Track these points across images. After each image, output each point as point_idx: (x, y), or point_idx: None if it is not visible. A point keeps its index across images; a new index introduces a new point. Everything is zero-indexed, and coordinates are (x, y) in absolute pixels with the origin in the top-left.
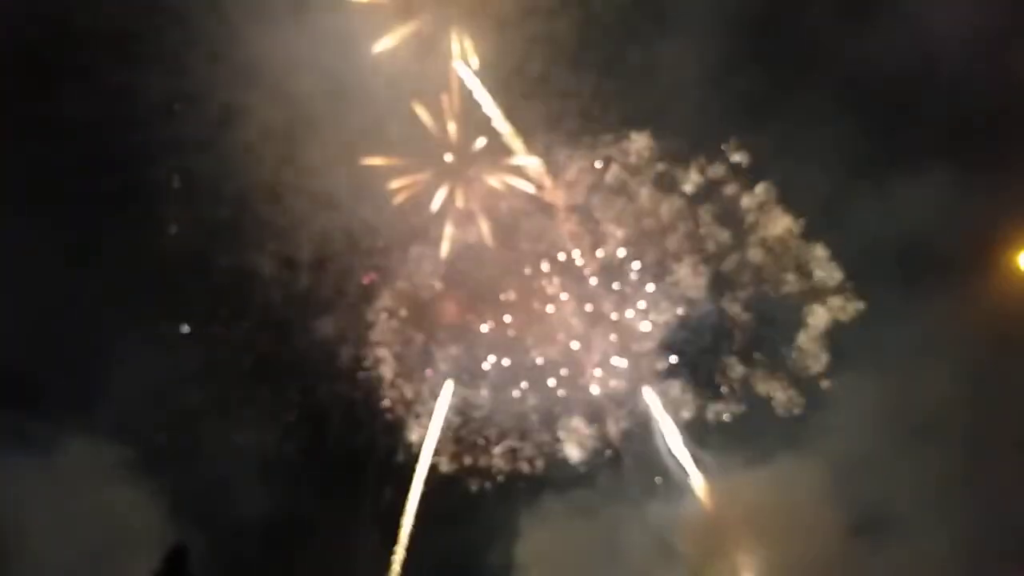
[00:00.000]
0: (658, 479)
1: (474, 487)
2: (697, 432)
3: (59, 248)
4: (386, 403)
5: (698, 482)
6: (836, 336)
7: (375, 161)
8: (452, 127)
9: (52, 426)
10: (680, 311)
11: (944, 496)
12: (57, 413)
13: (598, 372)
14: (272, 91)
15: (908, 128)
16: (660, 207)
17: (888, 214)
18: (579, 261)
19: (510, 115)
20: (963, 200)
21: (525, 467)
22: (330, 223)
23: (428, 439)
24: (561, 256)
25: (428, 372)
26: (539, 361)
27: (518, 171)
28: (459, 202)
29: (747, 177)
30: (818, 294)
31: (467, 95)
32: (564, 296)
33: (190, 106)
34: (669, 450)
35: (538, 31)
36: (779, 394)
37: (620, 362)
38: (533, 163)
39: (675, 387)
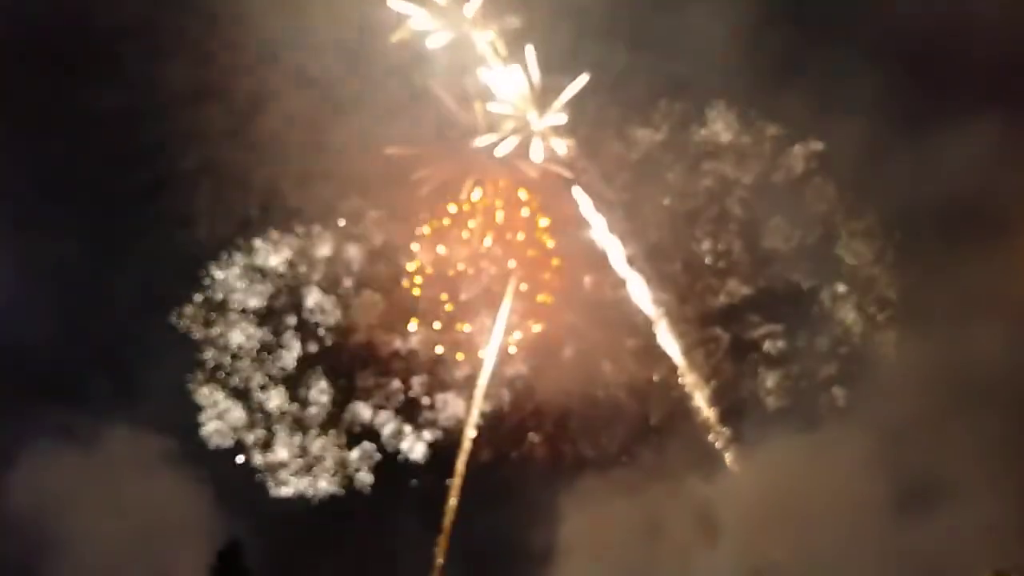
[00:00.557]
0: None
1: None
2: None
3: (92, 242)
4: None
5: (740, 455)
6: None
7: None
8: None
9: (94, 419)
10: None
11: (998, 462)
12: (99, 406)
13: None
14: (297, 76)
15: (949, 82)
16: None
17: (933, 170)
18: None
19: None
20: (1011, 154)
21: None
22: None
23: (469, 420)
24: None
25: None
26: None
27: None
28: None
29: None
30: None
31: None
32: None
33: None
34: (709, 423)
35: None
36: None
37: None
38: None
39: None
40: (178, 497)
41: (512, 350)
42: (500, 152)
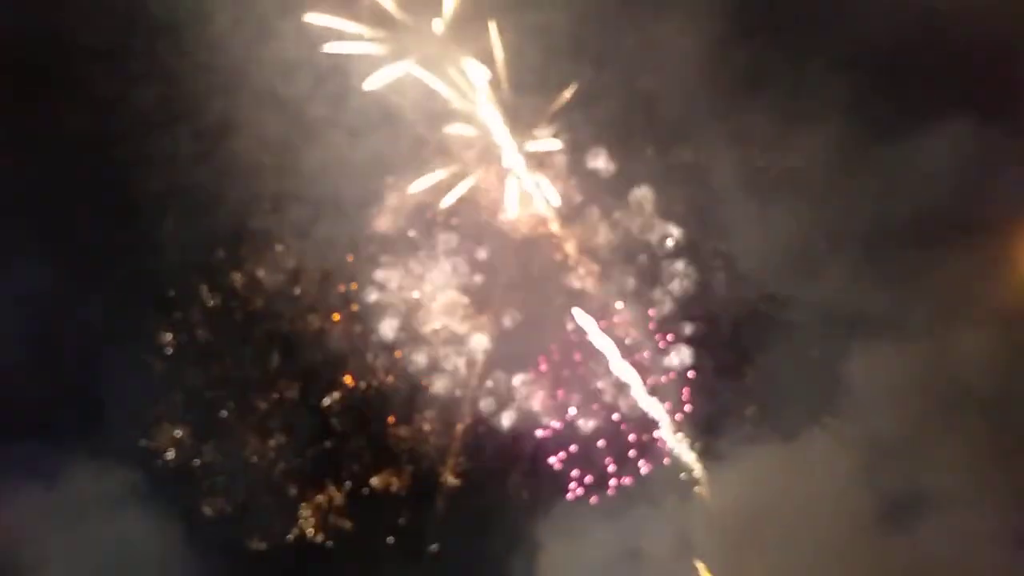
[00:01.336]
0: (682, 475)
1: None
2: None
3: (56, 268)
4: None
5: (713, 473)
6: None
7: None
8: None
9: (58, 452)
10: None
11: (978, 474)
12: (63, 439)
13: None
14: (267, 98)
15: (918, 86)
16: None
17: (906, 179)
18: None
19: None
20: (984, 161)
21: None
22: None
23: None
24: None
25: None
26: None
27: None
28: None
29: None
30: None
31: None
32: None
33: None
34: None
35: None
36: None
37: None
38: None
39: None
40: (146, 534)
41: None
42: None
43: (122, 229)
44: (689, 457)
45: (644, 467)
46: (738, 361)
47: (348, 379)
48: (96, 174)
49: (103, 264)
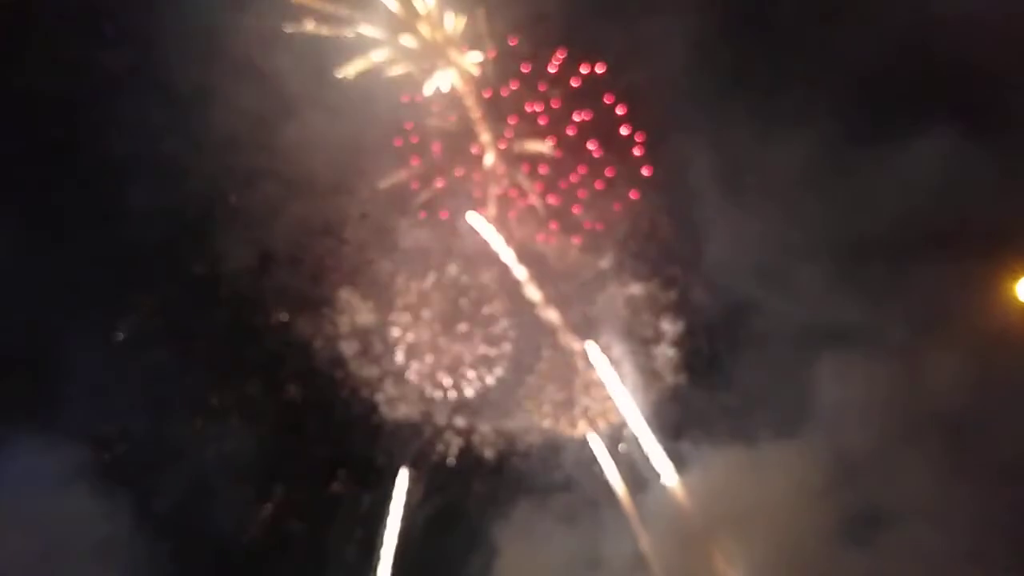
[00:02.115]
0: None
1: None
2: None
3: (12, 236)
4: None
5: (677, 479)
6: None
7: None
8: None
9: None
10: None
11: (940, 492)
12: (10, 413)
13: None
14: (245, 69)
15: (898, 96)
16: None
17: (880, 188)
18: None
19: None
20: (962, 174)
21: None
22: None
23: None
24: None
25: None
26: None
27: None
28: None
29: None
30: None
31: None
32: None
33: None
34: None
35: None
36: None
37: None
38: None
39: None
40: (94, 515)
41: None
42: None
43: (87, 197)
44: (655, 461)
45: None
46: (708, 367)
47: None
48: (63, 137)
49: (65, 232)
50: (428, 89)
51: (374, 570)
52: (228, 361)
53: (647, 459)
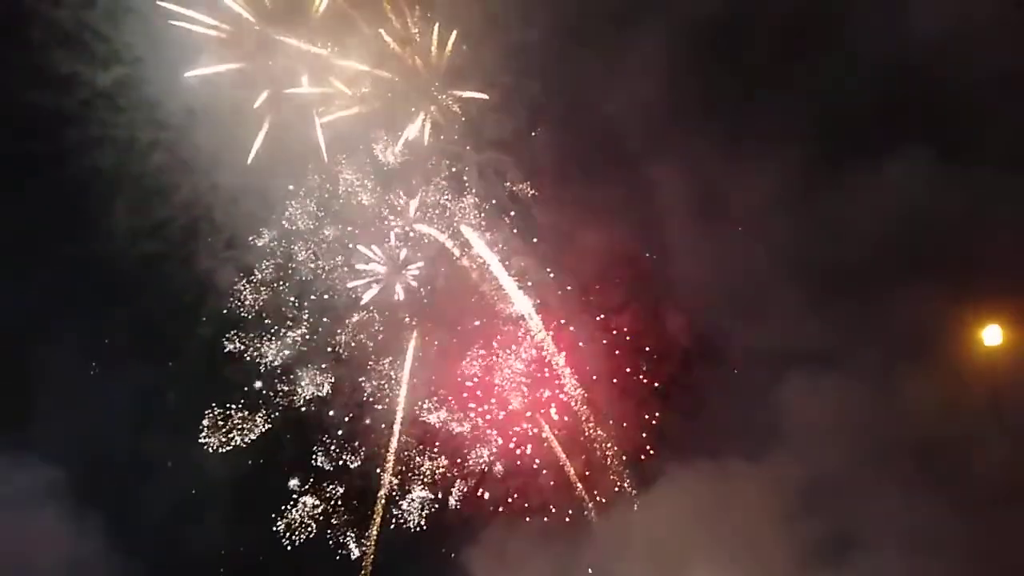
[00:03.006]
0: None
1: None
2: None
3: None
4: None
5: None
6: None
7: None
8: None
9: None
10: None
11: (913, 517)
12: None
13: None
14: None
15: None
16: None
17: (853, 213)
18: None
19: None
20: (935, 197)
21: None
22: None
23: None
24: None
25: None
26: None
27: None
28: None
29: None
30: None
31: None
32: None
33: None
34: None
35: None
36: None
37: None
38: None
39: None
40: (66, 534)
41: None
42: None
43: (69, 211)
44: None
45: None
46: (679, 390)
47: None
48: (49, 150)
49: (45, 247)
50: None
51: None
52: (207, 380)
53: (618, 481)
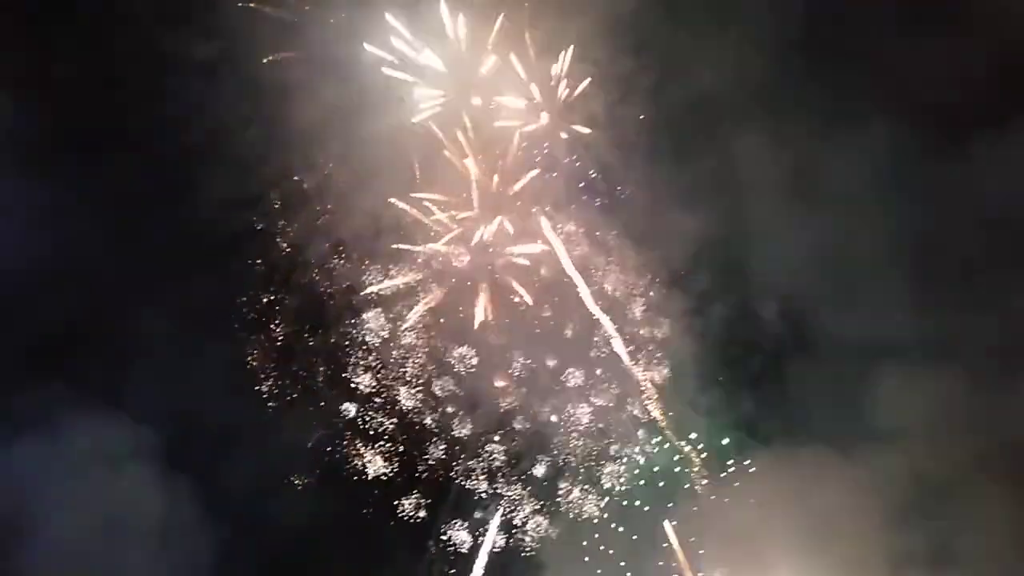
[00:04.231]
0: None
1: None
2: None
3: (87, 217)
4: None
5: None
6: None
7: None
8: None
9: (75, 401)
10: None
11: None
12: (76, 392)
13: None
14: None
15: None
16: None
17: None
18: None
19: None
20: None
21: None
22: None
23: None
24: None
25: None
26: None
27: None
28: None
29: None
30: None
31: None
32: None
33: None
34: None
35: None
36: None
37: None
38: None
39: None
40: (155, 497)
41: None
42: None
43: (164, 182)
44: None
45: None
46: (768, 377)
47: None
48: (146, 124)
49: (139, 216)
50: None
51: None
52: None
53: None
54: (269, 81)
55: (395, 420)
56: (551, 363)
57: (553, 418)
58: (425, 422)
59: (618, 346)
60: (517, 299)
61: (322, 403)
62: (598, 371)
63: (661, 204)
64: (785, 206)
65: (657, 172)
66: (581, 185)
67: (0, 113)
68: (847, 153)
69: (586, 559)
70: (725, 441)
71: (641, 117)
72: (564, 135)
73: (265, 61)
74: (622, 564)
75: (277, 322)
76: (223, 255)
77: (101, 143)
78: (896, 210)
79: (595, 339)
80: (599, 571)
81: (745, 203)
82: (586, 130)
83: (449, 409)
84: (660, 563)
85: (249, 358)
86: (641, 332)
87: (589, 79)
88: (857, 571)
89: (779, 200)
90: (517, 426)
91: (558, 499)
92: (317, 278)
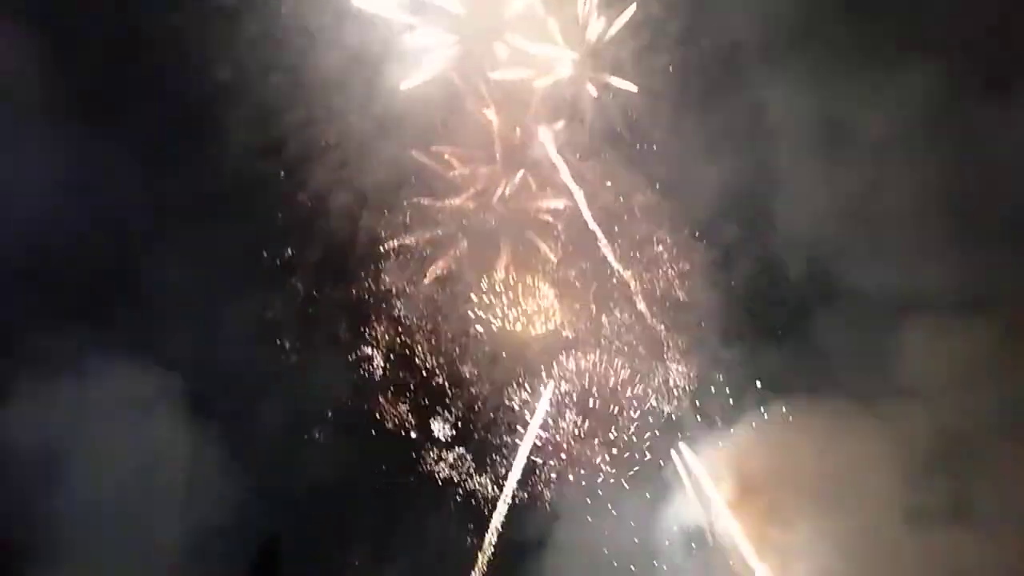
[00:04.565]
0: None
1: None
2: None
3: (112, 161)
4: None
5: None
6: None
7: None
8: None
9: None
10: None
11: None
12: (105, 337)
13: None
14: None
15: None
16: None
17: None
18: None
19: None
20: None
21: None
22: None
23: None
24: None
25: None
26: None
27: None
28: None
29: None
30: None
31: None
32: None
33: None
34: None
35: None
36: None
37: None
38: None
39: None
40: (184, 445)
41: None
42: None
43: (189, 126)
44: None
45: None
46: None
47: None
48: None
49: (165, 160)
50: None
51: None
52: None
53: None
54: (292, 27)
55: (417, 373)
56: (574, 319)
57: (572, 366)
58: (447, 375)
59: (640, 301)
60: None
61: (344, 355)
62: (620, 325)
63: (688, 155)
64: (815, 154)
65: (684, 122)
66: (606, 136)
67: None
68: (880, 99)
69: (604, 510)
70: (748, 395)
71: (670, 67)
72: (590, 84)
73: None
74: (636, 519)
75: (299, 273)
76: (246, 204)
77: (125, 90)
78: (931, 158)
79: (616, 294)
80: (615, 523)
81: (773, 152)
82: (613, 79)
83: (470, 363)
84: (678, 519)
85: (271, 309)
86: (664, 286)
87: (617, 24)
88: (876, 524)
89: (809, 149)
90: (536, 380)
91: (575, 451)
92: (338, 229)
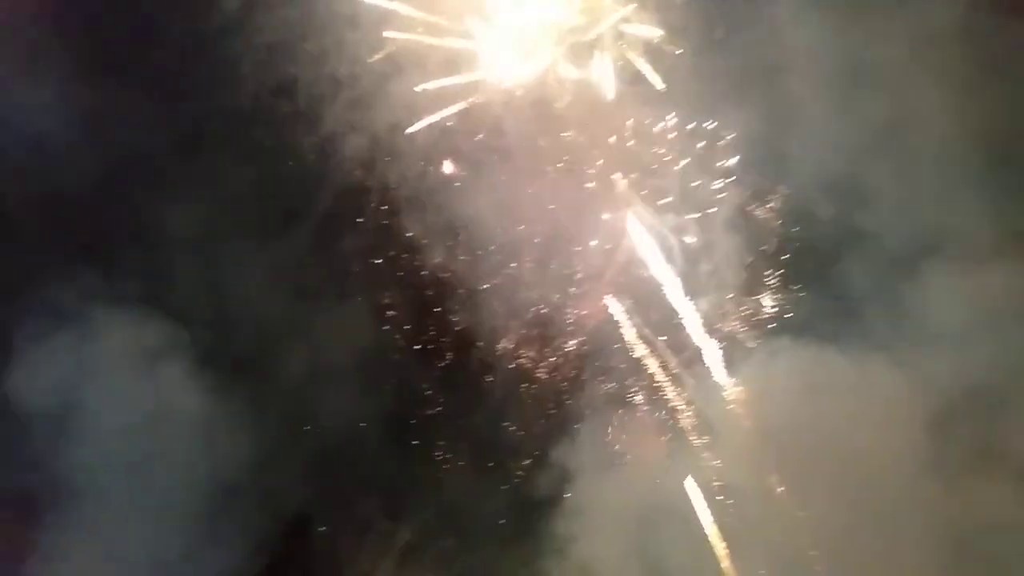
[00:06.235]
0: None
1: None
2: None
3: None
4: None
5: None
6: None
7: None
8: None
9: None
10: None
11: None
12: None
13: None
14: None
15: None
16: None
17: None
18: None
19: None
20: None
21: None
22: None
23: None
24: None
25: None
26: None
27: None
28: None
29: None
30: None
31: None
32: None
33: None
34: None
35: None
36: None
37: None
38: None
39: None
40: (194, 396)
41: None
42: None
43: (200, 64)
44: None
45: None
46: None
47: None
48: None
49: (175, 103)
50: None
51: None
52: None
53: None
54: None
55: (436, 320)
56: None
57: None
58: (470, 321)
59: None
60: None
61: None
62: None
63: (706, 93)
64: (837, 88)
65: (703, 58)
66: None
67: None
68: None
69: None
70: (767, 342)
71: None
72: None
73: None
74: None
75: (313, 215)
76: (256, 145)
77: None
78: (959, 91)
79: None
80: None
81: (794, 88)
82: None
83: (494, 309)
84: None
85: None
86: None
87: None
88: (896, 474)
89: (830, 82)
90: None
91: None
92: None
